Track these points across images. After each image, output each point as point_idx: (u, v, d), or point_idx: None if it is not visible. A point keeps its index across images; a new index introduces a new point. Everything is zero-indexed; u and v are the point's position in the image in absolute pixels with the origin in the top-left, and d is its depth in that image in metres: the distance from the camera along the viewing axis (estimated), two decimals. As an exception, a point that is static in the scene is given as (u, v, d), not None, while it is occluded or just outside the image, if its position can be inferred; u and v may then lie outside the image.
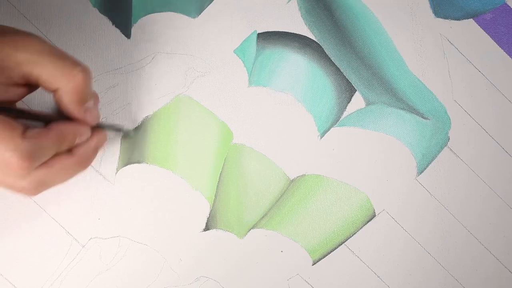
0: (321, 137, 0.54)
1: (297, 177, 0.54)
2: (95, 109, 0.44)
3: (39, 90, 0.43)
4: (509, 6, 0.58)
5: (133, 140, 0.51)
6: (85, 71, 0.41)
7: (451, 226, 0.55)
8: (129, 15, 0.52)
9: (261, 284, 0.52)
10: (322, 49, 0.55)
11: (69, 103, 0.42)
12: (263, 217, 0.53)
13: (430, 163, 0.55)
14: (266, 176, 0.53)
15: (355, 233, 0.54)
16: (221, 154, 0.53)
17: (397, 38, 0.56)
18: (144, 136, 0.51)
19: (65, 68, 0.40)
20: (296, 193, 0.53)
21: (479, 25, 0.57)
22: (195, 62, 0.53)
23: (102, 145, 0.47)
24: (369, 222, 0.54)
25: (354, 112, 0.55)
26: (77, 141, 0.43)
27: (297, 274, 0.53)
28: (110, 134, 0.50)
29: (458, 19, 0.57)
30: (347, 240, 0.54)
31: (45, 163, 0.41)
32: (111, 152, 0.51)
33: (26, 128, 0.40)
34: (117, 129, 0.50)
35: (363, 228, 0.54)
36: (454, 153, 0.56)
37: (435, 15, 0.57)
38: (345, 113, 0.55)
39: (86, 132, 0.44)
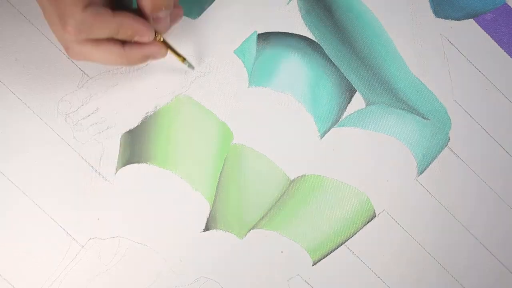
0: (321, 138, 0.54)
1: (297, 177, 0.54)
2: (165, 19, 0.46)
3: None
4: (510, 6, 0.58)
5: (135, 137, 0.51)
6: None
7: (451, 226, 0.55)
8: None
9: (261, 284, 0.52)
10: (322, 49, 0.55)
11: (145, 4, 0.44)
12: (263, 217, 0.53)
13: (431, 163, 0.55)
14: (266, 176, 0.53)
15: (355, 234, 0.54)
16: (221, 154, 0.53)
17: (397, 38, 0.56)
18: (144, 136, 0.51)
19: None
20: (296, 193, 0.53)
21: (479, 25, 0.57)
22: (196, 62, 0.53)
23: (155, 58, 0.48)
24: (370, 223, 0.54)
25: (354, 112, 0.55)
26: (136, 39, 0.45)
27: (297, 274, 0.53)
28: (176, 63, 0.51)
29: (459, 19, 0.57)
30: (347, 240, 0.54)
31: (96, 40, 0.44)
32: (111, 152, 0.51)
33: (99, 3, 0.42)
34: (180, 55, 0.50)
35: (363, 229, 0.54)
36: (454, 153, 0.56)
37: (435, 15, 0.57)
38: (345, 114, 0.55)
39: (147, 34, 0.45)
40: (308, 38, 0.55)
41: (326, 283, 0.53)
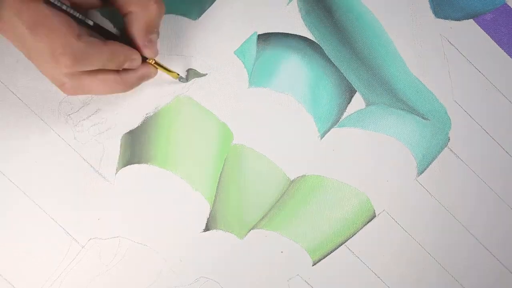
0: (321, 138, 0.54)
1: (297, 177, 0.54)
2: (155, 43, 0.47)
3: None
4: (510, 7, 0.58)
5: (135, 138, 0.51)
6: (160, 6, 0.45)
7: (451, 226, 0.55)
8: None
9: (261, 284, 0.52)
10: (322, 50, 0.55)
11: (136, 29, 0.45)
12: (263, 217, 0.53)
13: (430, 163, 0.55)
14: (266, 176, 0.53)
15: (355, 234, 0.54)
16: (221, 155, 0.53)
17: (397, 38, 0.56)
18: (144, 136, 0.52)
19: None
20: (296, 193, 0.53)
21: (479, 26, 0.57)
22: (196, 63, 0.53)
23: (149, 78, 0.49)
24: (369, 223, 0.54)
25: (354, 112, 0.55)
26: (128, 65, 0.46)
27: (297, 274, 0.53)
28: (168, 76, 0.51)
29: (458, 20, 0.57)
30: (347, 240, 0.54)
31: (90, 71, 0.44)
32: (111, 152, 0.51)
33: (87, 35, 0.43)
34: (173, 72, 0.50)
35: (363, 229, 0.54)
36: (454, 154, 0.56)
37: (435, 15, 0.57)
38: (345, 114, 0.55)
39: (138, 59, 0.46)
40: (308, 38, 0.55)
41: (326, 283, 0.53)
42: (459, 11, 0.57)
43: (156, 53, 0.48)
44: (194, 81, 0.53)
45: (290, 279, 0.53)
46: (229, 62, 0.54)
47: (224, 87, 0.53)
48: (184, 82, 0.52)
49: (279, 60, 0.54)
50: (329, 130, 0.54)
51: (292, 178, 0.53)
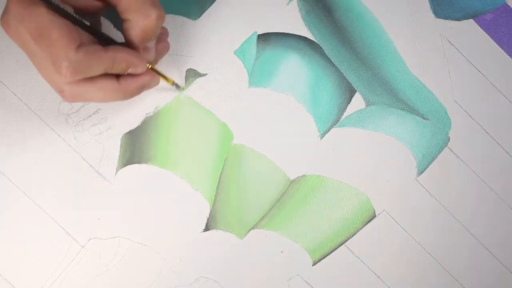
0: (321, 138, 0.54)
1: (297, 177, 0.54)
2: (153, 48, 0.46)
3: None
4: (510, 7, 0.58)
5: (135, 138, 0.51)
6: (160, 17, 0.44)
7: (451, 226, 0.55)
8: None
9: (261, 284, 0.52)
10: (322, 50, 0.55)
11: (134, 36, 0.44)
12: (263, 217, 0.53)
13: (430, 163, 0.55)
14: (266, 176, 0.53)
15: (355, 234, 0.54)
16: (221, 155, 0.53)
17: (397, 38, 0.56)
18: (144, 136, 0.52)
19: (144, 6, 0.43)
20: (296, 193, 0.53)
21: (479, 26, 0.57)
22: (196, 63, 0.53)
23: (149, 88, 0.48)
24: (369, 223, 0.54)
25: (354, 112, 0.55)
26: (130, 71, 0.45)
27: (297, 274, 0.53)
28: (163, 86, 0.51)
29: (458, 20, 0.57)
30: (347, 240, 0.54)
31: (90, 78, 0.43)
32: (111, 152, 0.51)
33: (88, 42, 0.42)
34: (168, 79, 0.50)
35: (363, 229, 0.54)
36: (454, 154, 0.56)
37: (435, 15, 0.57)
38: (345, 114, 0.55)
39: (140, 66, 0.46)
40: (308, 38, 0.55)
41: (326, 283, 0.53)
42: (459, 11, 0.57)
43: (152, 59, 0.47)
44: (195, 81, 0.53)
45: (290, 279, 0.53)
46: (229, 62, 0.54)
47: (224, 87, 0.53)
48: (180, 90, 0.52)
49: (279, 60, 0.54)
50: (329, 130, 0.54)
51: (292, 178, 0.53)
